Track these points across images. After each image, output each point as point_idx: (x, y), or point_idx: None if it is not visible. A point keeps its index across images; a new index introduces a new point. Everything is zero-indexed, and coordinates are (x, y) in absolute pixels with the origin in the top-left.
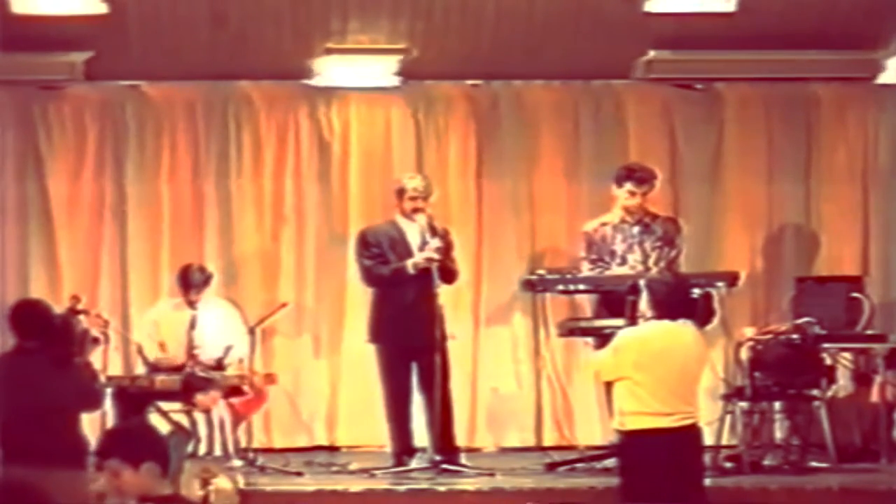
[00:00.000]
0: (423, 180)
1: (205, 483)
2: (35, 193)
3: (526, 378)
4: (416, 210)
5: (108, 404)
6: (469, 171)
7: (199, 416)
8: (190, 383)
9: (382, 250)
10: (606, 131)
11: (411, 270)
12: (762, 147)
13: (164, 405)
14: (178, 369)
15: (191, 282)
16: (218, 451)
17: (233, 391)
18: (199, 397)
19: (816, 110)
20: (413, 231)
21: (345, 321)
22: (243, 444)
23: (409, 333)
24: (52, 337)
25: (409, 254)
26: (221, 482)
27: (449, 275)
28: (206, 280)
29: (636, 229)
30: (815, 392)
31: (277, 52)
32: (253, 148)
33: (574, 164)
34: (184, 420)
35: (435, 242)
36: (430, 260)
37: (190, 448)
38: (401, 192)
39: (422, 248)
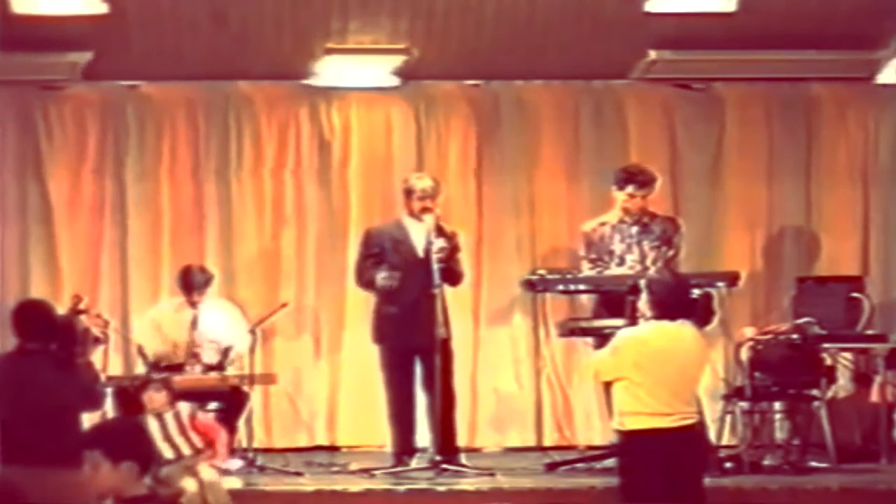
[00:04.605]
0: (432, 180)
1: (194, 474)
2: (35, 193)
3: (526, 378)
4: (424, 210)
5: (109, 404)
6: (469, 172)
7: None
8: (144, 384)
9: (382, 251)
10: (606, 131)
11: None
12: (762, 147)
13: None
14: (178, 368)
15: (192, 283)
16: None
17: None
18: (147, 396)
19: (816, 110)
20: (419, 232)
21: (345, 321)
22: (244, 444)
23: (412, 333)
24: (54, 337)
25: (413, 254)
26: (207, 474)
27: (454, 276)
28: (207, 281)
29: (634, 229)
30: (815, 392)
31: (278, 53)
32: (253, 148)
33: (574, 164)
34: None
35: (439, 243)
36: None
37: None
38: (409, 192)
39: (426, 248)
